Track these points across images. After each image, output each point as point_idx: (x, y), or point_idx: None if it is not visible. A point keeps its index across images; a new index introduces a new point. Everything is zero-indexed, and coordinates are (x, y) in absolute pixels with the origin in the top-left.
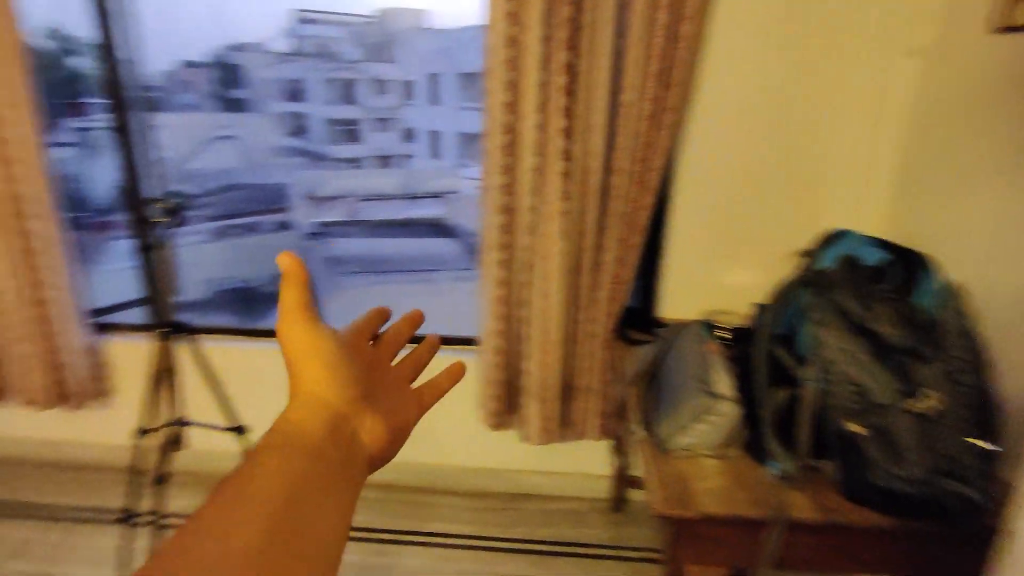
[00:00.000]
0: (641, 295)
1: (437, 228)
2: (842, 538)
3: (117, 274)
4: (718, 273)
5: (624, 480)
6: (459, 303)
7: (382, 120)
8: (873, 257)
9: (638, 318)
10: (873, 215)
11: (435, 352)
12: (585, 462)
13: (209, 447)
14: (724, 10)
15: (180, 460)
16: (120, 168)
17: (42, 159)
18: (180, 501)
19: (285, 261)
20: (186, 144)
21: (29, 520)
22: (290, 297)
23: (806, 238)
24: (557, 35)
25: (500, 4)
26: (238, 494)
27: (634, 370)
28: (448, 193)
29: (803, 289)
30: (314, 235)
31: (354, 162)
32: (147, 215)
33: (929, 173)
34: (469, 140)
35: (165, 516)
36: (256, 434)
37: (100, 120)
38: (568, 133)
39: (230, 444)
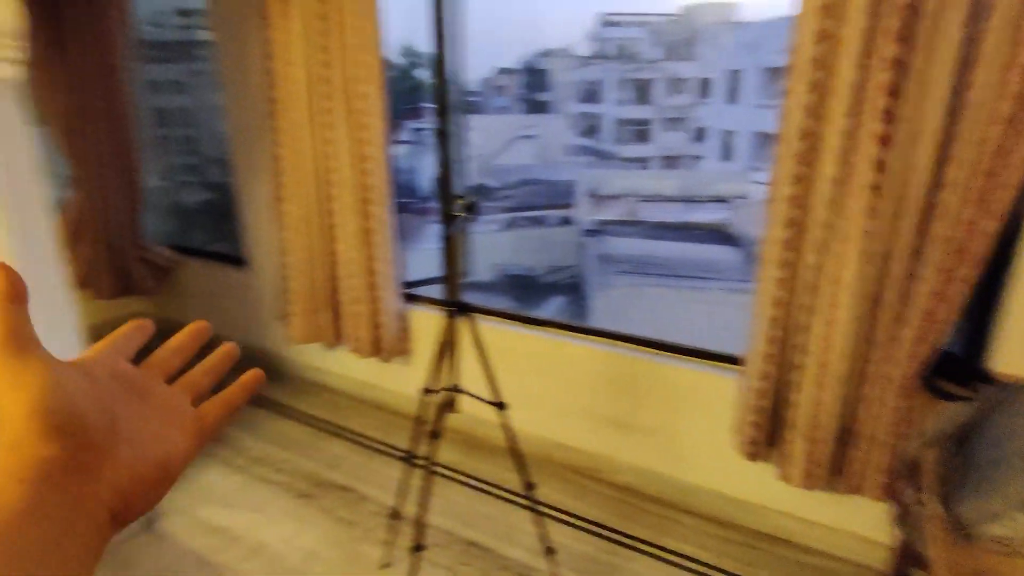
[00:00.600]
0: (965, 340)
1: (718, 234)
2: None
3: (427, 253)
4: None
5: (907, 557)
6: (729, 317)
7: (674, 120)
8: None
9: (955, 367)
10: None
11: (229, 363)
12: (856, 521)
13: (475, 415)
14: None
15: (453, 420)
16: (438, 163)
17: (386, 156)
18: (448, 454)
19: None
20: (494, 143)
21: (344, 440)
22: None
23: None
24: (886, 25)
25: None
26: None
27: (938, 428)
28: (735, 198)
29: None
30: (592, 232)
31: (640, 162)
32: (449, 207)
33: None
34: (766, 141)
35: (435, 464)
36: (511, 412)
37: (431, 122)
38: (885, 140)
39: (491, 416)
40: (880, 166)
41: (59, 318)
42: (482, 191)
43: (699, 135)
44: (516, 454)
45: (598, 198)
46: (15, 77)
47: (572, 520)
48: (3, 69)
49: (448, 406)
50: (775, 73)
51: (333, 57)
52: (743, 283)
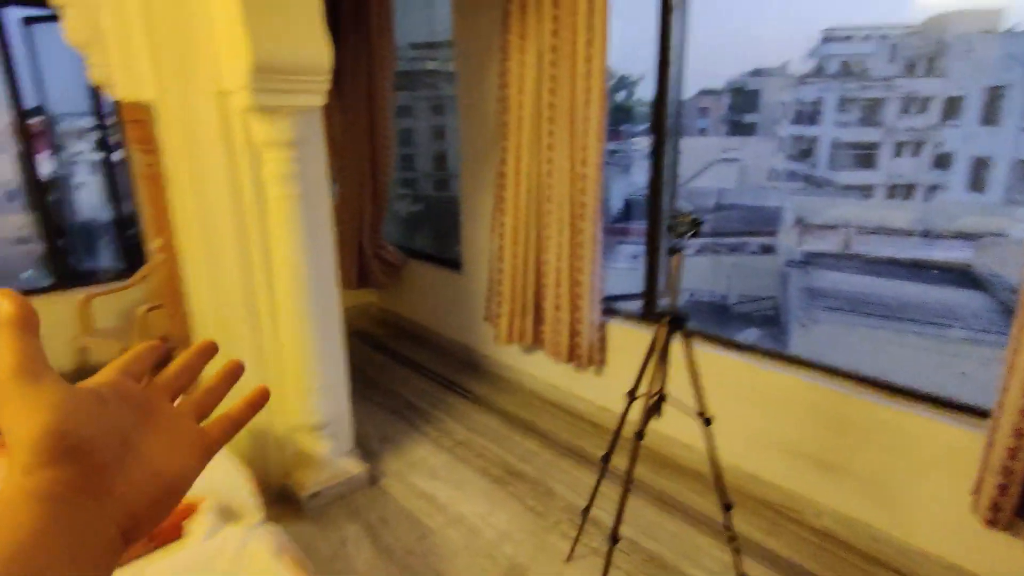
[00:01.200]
0: None
1: (959, 275)
2: None
3: (616, 272)
4: None
5: None
6: (967, 367)
7: (908, 144)
8: None
9: None
10: None
11: (234, 380)
12: None
13: (666, 432)
14: None
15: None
16: (650, 183)
17: (600, 176)
18: (638, 467)
19: (4, 305)
20: (692, 165)
21: (536, 437)
22: (9, 356)
23: None
24: None
25: None
26: None
27: None
28: (985, 235)
29: None
30: (797, 263)
31: (862, 190)
32: (671, 225)
33: None
34: None
35: (633, 466)
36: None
37: (628, 143)
38: None
39: (684, 436)
40: None
41: (330, 301)
42: (698, 214)
43: (940, 161)
44: (716, 472)
45: (807, 227)
46: (319, 104)
47: (764, 554)
48: (314, 99)
49: (654, 409)
50: None
51: (560, 85)
52: (990, 333)
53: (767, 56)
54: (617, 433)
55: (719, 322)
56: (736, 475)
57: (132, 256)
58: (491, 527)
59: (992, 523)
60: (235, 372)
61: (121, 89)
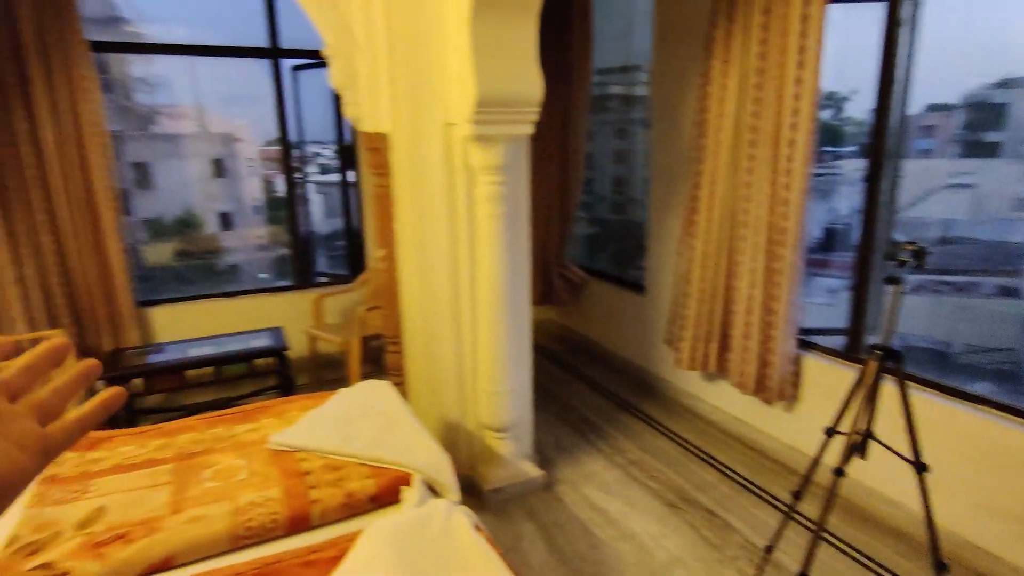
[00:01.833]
0: None
1: None
2: None
3: (811, 306)
4: None
5: None
6: None
7: None
8: None
9: None
10: None
11: (84, 383)
12: None
13: (865, 481)
14: None
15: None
16: (862, 211)
17: (804, 202)
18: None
19: None
20: (912, 192)
21: (714, 468)
22: None
23: None
24: None
25: None
26: None
27: None
28: None
29: None
30: None
31: None
32: (891, 252)
33: None
34: None
35: (827, 511)
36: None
37: (831, 166)
38: None
39: (888, 487)
40: None
41: (522, 313)
42: (923, 244)
43: None
44: (930, 526)
45: None
46: (528, 133)
47: None
48: (525, 128)
49: (857, 449)
50: None
51: (764, 108)
52: None
53: (1021, 64)
54: (810, 471)
55: (937, 373)
56: (952, 542)
57: (355, 263)
58: (663, 549)
59: None
60: (86, 374)
61: (366, 123)
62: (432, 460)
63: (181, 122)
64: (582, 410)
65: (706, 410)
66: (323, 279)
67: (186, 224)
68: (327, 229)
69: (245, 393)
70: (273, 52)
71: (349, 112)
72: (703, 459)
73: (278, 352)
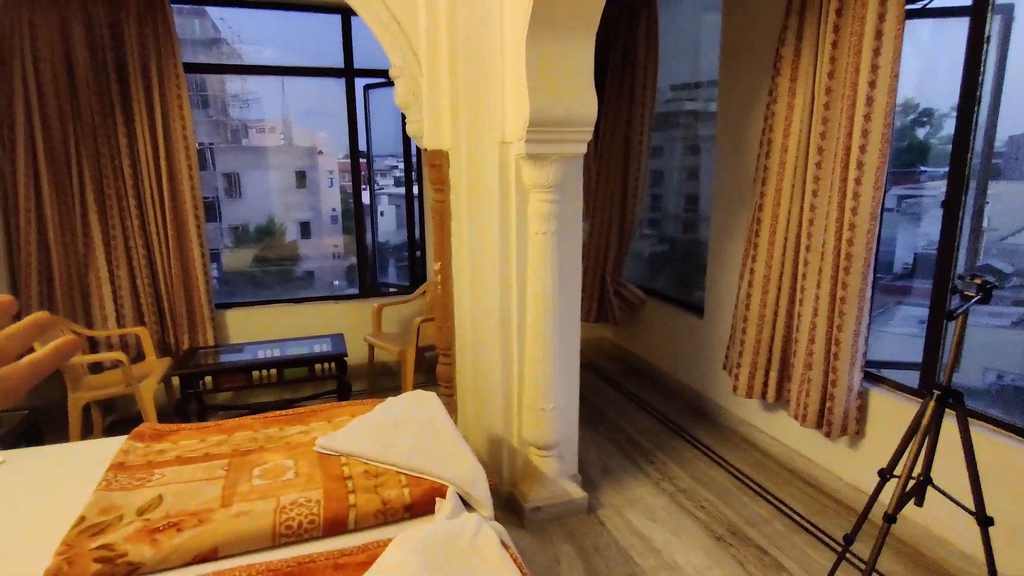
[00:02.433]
0: None
1: None
2: None
3: (890, 336)
4: None
5: None
6: None
7: None
8: None
9: None
10: None
11: (36, 331)
12: None
13: (928, 526)
14: None
15: (899, 526)
16: (942, 235)
17: (874, 226)
18: (890, 563)
19: None
20: (1015, 216)
21: (767, 503)
22: None
23: None
24: None
25: None
26: None
27: None
28: None
29: None
30: None
31: None
32: (955, 286)
33: None
34: None
35: (875, 557)
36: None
37: (925, 188)
38: None
39: (951, 534)
40: None
41: (571, 331)
42: (990, 276)
43: None
44: None
45: None
46: (582, 152)
47: None
48: (578, 147)
49: (912, 495)
50: None
51: (832, 128)
52: None
53: None
54: (864, 513)
55: None
56: None
57: (415, 274)
58: None
59: None
60: (39, 323)
61: (427, 140)
62: (468, 473)
63: (269, 135)
64: (631, 432)
65: (763, 441)
66: (388, 289)
67: (267, 232)
68: (397, 240)
69: (305, 396)
70: (347, 72)
71: (412, 129)
72: (757, 492)
73: (338, 358)
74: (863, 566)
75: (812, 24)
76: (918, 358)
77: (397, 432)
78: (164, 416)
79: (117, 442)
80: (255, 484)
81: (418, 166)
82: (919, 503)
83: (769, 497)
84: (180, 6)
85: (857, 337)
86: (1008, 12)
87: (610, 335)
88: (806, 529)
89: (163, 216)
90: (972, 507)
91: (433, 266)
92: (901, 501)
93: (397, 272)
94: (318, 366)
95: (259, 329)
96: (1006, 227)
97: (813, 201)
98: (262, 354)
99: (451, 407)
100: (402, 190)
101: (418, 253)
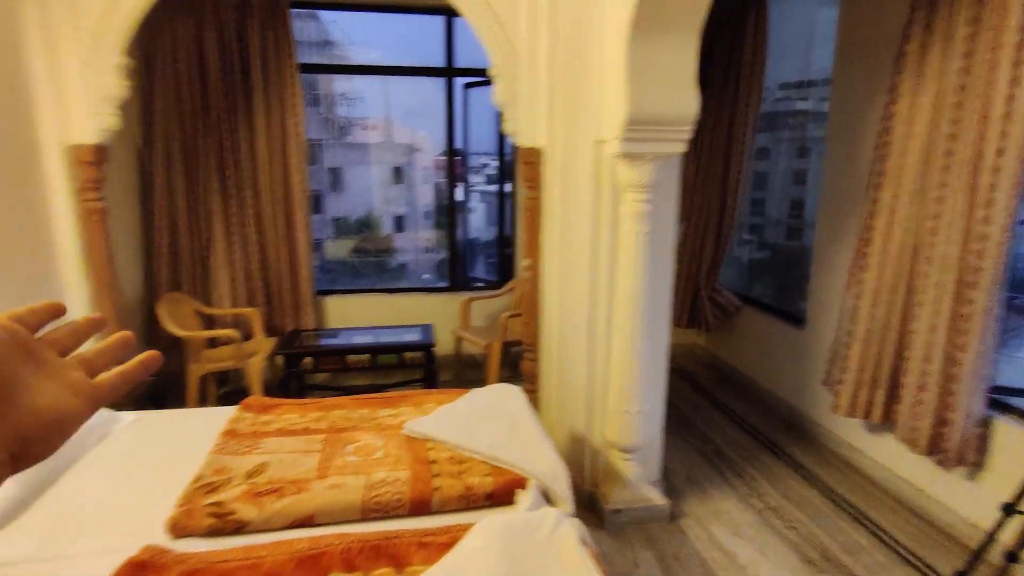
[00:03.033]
0: None
1: None
2: None
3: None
4: None
5: None
6: None
7: None
8: None
9: None
10: None
11: (124, 349)
12: None
13: None
14: None
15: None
16: None
17: (1007, 238)
18: None
19: None
20: None
21: (866, 530)
22: None
23: None
24: None
25: None
26: None
27: None
28: None
29: None
30: None
31: None
32: None
33: None
34: None
35: None
36: None
37: None
38: None
39: None
40: None
41: (660, 334)
42: None
43: None
44: None
45: None
46: (680, 152)
47: None
48: (676, 147)
49: None
50: None
51: (964, 130)
52: None
53: None
54: (981, 550)
55: None
56: None
57: (504, 271)
58: None
59: None
60: (126, 342)
61: (523, 138)
62: (550, 468)
63: (371, 132)
64: (719, 443)
65: (865, 464)
66: (476, 283)
67: (366, 224)
68: (486, 236)
69: (394, 382)
70: (448, 71)
71: (508, 127)
72: (856, 518)
73: (426, 348)
74: None
75: (944, 17)
76: None
77: (481, 422)
78: (268, 391)
79: (228, 411)
80: (348, 460)
81: (511, 164)
82: None
83: (869, 524)
84: (298, 11)
85: (981, 359)
86: None
87: (702, 341)
88: (910, 563)
89: (275, 206)
90: None
91: (522, 263)
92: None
93: (485, 267)
94: (408, 354)
95: (354, 316)
96: None
97: (937, 208)
98: (357, 340)
99: (534, 403)
100: (492, 187)
101: (507, 250)
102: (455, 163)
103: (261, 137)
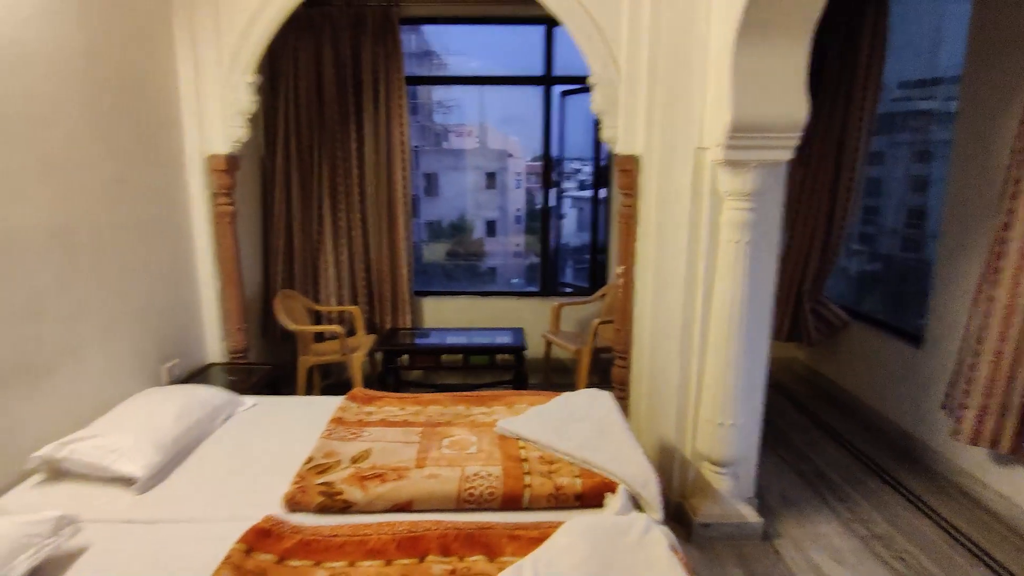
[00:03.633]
0: None
1: None
2: None
3: None
4: None
5: None
6: None
7: None
8: None
9: None
10: None
11: None
12: None
13: None
14: None
15: None
16: None
17: None
18: None
19: None
20: None
21: (989, 568)
22: None
23: None
24: None
25: None
26: None
27: None
28: None
29: None
30: None
31: None
32: None
33: None
34: None
35: None
36: None
37: None
38: None
39: None
40: None
41: (759, 347)
42: None
43: None
44: None
45: None
46: (786, 159)
47: None
48: (782, 154)
49: None
50: None
51: None
52: None
53: None
54: None
55: None
56: None
57: (596, 277)
58: None
59: None
60: None
61: (620, 145)
62: (640, 474)
63: (466, 139)
64: (819, 464)
65: (988, 497)
66: (566, 289)
67: (458, 229)
68: (577, 242)
69: (485, 382)
70: (546, 80)
71: (606, 135)
72: (976, 555)
73: (517, 350)
74: None
75: None
76: None
77: (572, 425)
78: (367, 385)
79: (335, 400)
80: (444, 452)
81: (605, 169)
82: None
83: (992, 564)
84: (404, 26)
85: None
86: None
87: (803, 356)
88: None
89: (379, 211)
90: None
91: (616, 269)
92: None
93: (575, 273)
94: (499, 356)
95: (448, 317)
96: None
97: None
98: (451, 340)
99: (624, 409)
100: (583, 193)
101: (599, 256)
102: (549, 169)
103: (369, 146)
